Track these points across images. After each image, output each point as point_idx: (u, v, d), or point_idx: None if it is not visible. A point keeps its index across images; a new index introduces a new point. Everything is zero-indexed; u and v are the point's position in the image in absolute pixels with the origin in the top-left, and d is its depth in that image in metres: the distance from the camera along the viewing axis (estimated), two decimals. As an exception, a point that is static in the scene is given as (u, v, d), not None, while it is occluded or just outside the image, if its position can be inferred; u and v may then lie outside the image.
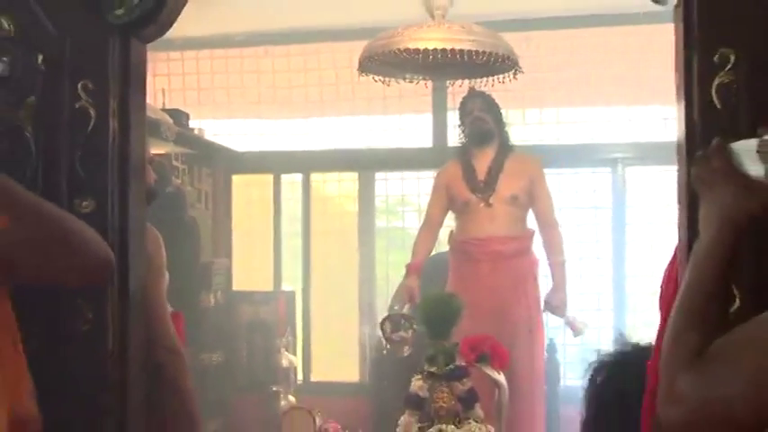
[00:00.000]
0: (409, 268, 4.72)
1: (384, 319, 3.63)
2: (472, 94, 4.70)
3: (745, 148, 1.33)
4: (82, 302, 1.85)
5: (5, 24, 1.86)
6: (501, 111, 4.73)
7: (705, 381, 1.19)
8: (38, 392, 1.66)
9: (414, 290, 4.54)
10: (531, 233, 4.69)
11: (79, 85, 1.87)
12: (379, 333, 5.20)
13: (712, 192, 1.33)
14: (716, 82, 1.65)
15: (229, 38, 5.68)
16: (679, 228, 1.73)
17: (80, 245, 1.63)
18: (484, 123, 4.65)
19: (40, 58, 1.86)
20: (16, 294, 1.67)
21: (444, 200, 4.77)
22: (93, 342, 1.86)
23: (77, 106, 1.87)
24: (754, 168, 1.31)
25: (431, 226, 4.82)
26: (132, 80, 1.94)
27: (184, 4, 2.01)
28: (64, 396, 1.81)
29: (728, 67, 1.64)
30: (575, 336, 4.81)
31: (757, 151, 1.32)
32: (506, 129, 4.76)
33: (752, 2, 1.64)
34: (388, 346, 3.56)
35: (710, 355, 1.21)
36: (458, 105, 4.89)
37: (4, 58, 1.84)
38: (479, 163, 4.66)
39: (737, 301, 1.53)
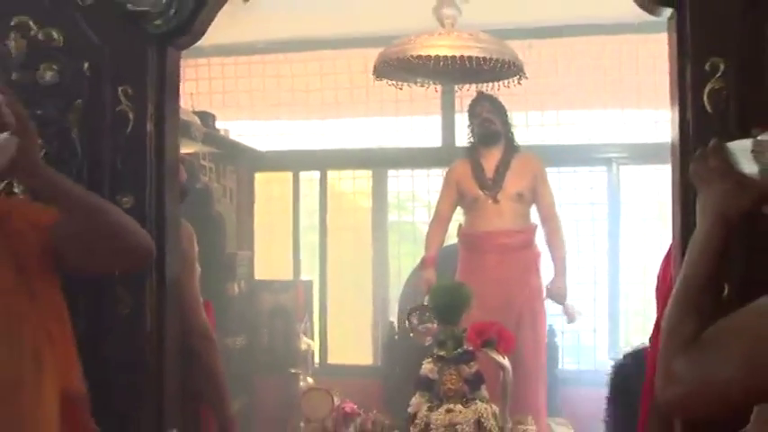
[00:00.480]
0: (425, 261, 4.73)
1: (411, 311, 3.62)
2: (480, 97, 4.68)
3: (740, 148, 1.34)
4: (122, 291, 1.88)
5: (55, 35, 1.89)
6: (507, 113, 4.72)
7: (699, 364, 1.21)
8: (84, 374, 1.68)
9: (431, 281, 4.52)
10: (535, 227, 4.69)
11: (119, 90, 1.89)
12: (391, 319, 5.23)
13: (709, 188, 1.34)
14: (707, 88, 1.67)
15: (252, 45, 5.69)
16: (673, 224, 1.74)
17: (124, 234, 1.65)
18: (491, 125, 4.64)
19: (86, 65, 1.89)
20: (63, 284, 1.68)
21: (454, 196, 4.76)
22: (132, 328, 1.88)
23: (118, 110, 1.90)
24: (748, 167, 1.33)
25: (441, 220, 4.81)
26: (168, 86, 1.96)
27: (215, 15, 2.03)
28: (106, 379, 1.83)
29: (719, 74, 1.66)
30: (568, 322, 4.86)
31: (752, 151, 1.33)
32: (512, 130, 4.74)
33: (740, 15, 1.66)
34: (412, 335, 3.55)
35: (704, 341, 1.22)
36: (465, 108, 4.88)
37: (54, 66, 1.88)
38: (487, 162, 4.66)
39: (725, 290, 1.55)
